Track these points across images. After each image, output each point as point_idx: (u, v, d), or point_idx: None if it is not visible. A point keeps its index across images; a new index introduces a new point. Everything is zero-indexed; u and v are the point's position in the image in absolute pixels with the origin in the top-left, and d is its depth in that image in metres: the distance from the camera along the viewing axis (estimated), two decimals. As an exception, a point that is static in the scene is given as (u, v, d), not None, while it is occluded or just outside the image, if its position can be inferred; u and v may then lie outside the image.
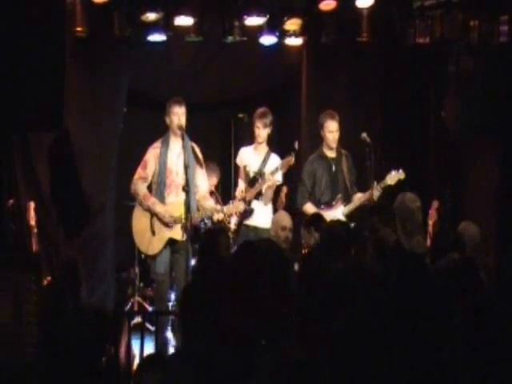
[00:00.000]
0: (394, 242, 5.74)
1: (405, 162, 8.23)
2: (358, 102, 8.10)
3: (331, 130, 7.32)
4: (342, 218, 7.11)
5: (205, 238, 5.61)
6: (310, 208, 7.29)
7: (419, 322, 3.68)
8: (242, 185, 7.54)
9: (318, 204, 7.32)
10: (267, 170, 7.38)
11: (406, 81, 8.19)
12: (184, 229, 6.74)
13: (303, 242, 6.38)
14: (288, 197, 7.80)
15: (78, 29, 6.95)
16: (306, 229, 6.17)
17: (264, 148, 7.53)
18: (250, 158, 7.56)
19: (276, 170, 7.23)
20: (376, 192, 7.01)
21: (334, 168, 7.39)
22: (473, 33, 7.34)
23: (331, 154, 7.42)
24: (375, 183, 7.04)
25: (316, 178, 7.38)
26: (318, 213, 6.84)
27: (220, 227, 6.96)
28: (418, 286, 3.98)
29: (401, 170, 7.15)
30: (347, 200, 7.31)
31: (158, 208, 6.92)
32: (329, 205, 7.30)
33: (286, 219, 6.66)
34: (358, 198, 7.24)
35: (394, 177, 7.11)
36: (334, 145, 7.37)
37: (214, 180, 8.20)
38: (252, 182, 7.44)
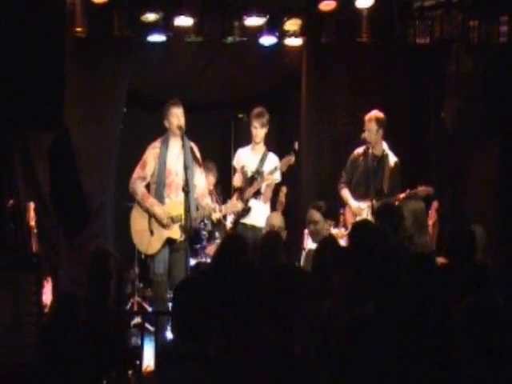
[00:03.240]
0: (396, 244, 5.74)
1: (405, 162, 8.24)
2: (357, 101, 8.09)
3: (364, 127, 7.34)
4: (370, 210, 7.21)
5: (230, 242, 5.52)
6: (345, 193, 7.43)
7: (425, 320, 3.68)
8: (238, 176, 7.56)
9: (353, 193, 7.41)
10: (265, 169, 7.40)
11: (406, 81, 8.19)
12: (183, 229, 6.76)
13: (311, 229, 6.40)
14: (287, 197, 7.79)
15: (78, 29, 6.95)
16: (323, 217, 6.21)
17: (261, 148, 7.55)
18: (247, 158, 7.58)
19: (275, 169, 7.27)
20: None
21: (374, 164, 7.37)
22: (473, 33, 7.34)
23: (377, 152, 7.41)
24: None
25: (355, 168, 7.43)
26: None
27: (237, 234, 6.92)
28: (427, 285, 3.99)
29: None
30: (380, 197, 7.27)
31: (157, 209, 6.93)
32: (362, 196, 7.37)
33: (275, 219, 6.69)
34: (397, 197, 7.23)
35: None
36: (369, 139, 7.32)
37: (212, 179, 8.21)
38: (250, 181, 7.46)
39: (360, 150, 7.48)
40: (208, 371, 3.23)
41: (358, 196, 7.40)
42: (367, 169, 7.38)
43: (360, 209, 7.31)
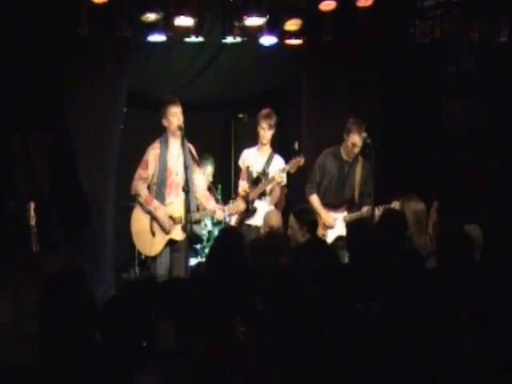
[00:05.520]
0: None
1: (405, 162, 8.25)
2: (357, 102, 8.09)
3: (355, 143, 7.15)
4: (343, 223, 7.13)
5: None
6: (315, 201, 7.30)
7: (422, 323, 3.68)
8: (244, 183, 7.55)
9: (322, 199, 7.31)
10: (271, 170, 7.39)
11: (406, 81, 8.19)
12: (184, 229, 6.77)
13: (289, 233, 6.28)
14: (287, 197, 7.79)
15: (79, 29, 6.95)
16: (299, 225, 6.09)
17: (267, 149, 7.55)
18: (253, 159, 7.57)
19: (283, 169, 7.25)
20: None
21: (345, 171, 7.31)
22: (473, 33, 7.35)
23: (347, 158, 7.33)
24: (383, 206, 6.92)
25: (325, 171, 7.34)
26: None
27: (232, 229, 6.88)
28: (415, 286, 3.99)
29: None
30: (353, 209, 7.26)
31: (159, 213, 6.92)
32: (332, 206, 7.27)
33: (274, 218, 6.63)
34: (364, 210, 7.11)
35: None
36: (352, 156, 7.27)
37: (210, 169, 8.19)
38: (255, 181, 7.46)
39: (329, 153, 7.37)
40: (191, 371, 3.24)
41: (328, 205, 7.27)
42: (338, 176, 7.29)
43: (333, 220, 7.20)
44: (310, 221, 6.14)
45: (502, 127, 7.77)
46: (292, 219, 6.12)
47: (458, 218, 7.33)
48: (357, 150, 7.22)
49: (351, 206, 7.27)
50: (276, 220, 6.60)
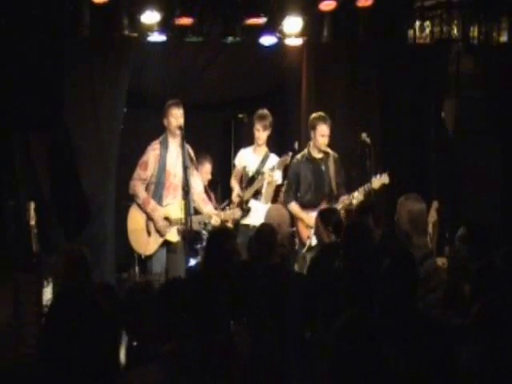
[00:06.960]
0: (379, 241, 5.74)
1: (405, 162, 8.24)
2: (357, 102, 8.09)
3: (323, 133, 7.21)
4: None
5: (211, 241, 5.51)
6: (294, 207, 7.28)
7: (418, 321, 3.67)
8: (237, 188, 7.56)
9: (301, 204, 7.29)
10: (266, 169, 7.40)
11: (406, 81, 8.19)
12: (181, 231, 6.79)
13: (317, 238, 6.28)
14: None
15: (79, 29, 6.96)
16: (323, 225, 6.09)
17: (263, 149, 7.57)
18: (249, 158, 7.60)
19: (273, 168, 7.26)
20: (359, 195, 6.99)
21: (319, 169, 7.31)
22: (473, 33, 7.36)
23: (318, 155, 7.33)
24: (361, 187, 7.01)
25: (300, 178, 7.32)
26: (330, 208, 6.79)
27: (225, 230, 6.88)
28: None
29: (384, 175, 7.05)
30: (332, 201, 7.25)
31: (156, 216, 6.94)
32: (313, 205, 7.24)
33: (287, 215, 6.62)
34: (342, 200, 7.15)
35: (378, 181, 7.04)
36: (324, 148, 7.28)
37: (208, 167, 8.18)
38: (251, 181, 7.47)
39: (298, 157, 7.37)
40: (183, 371, 3.23)
41: (308, 205, 7.23)
42: (315, 178, 7.28)
43: (313, 218, 7.07)
44: (335, 221, 6.12)
45: (502, 127, 7.78)
46: (317, 220, 6.16)
47: (458, 217, 7.35)
48: (327, 140, 7.23)
49: (331, 199, 7.26)
50: (277, 215, 6.57)
